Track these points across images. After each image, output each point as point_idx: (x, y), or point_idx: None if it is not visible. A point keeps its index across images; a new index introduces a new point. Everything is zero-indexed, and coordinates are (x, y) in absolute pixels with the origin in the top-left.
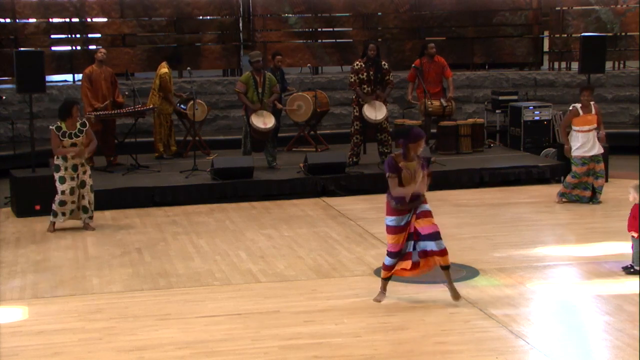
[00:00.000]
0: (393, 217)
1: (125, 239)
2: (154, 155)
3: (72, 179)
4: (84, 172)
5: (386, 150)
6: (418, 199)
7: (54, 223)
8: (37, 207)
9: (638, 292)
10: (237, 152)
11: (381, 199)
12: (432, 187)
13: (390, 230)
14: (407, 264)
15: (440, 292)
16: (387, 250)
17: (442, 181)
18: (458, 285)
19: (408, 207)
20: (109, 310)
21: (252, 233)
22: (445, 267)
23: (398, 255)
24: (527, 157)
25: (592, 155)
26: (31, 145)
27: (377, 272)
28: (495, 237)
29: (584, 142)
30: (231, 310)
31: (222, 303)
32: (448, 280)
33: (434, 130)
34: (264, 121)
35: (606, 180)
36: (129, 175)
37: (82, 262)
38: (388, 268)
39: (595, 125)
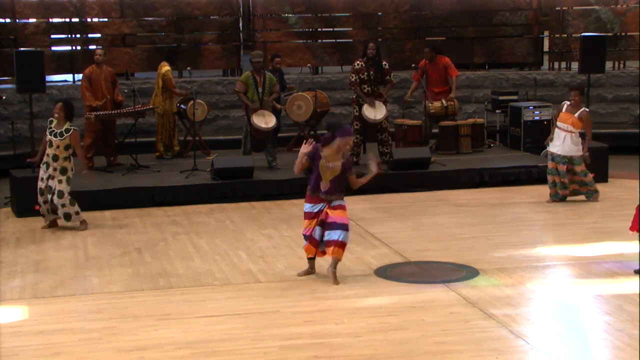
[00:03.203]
0: (308, 204)
1: (125, 239)
2: (154, 155)
3: (42, 179)
4: (51, 177)
5: (386, 150)
6: (334, 194)
7: (50, 220)
8: (37, 207)
9: (638, 292)
10: (237, 152)
11: (381, 199)
12: (432, 187)
13: (306, 215)
14: (312, 250)
15: (440, 292)
16: (303, 233)
17: (442, 181)
18: (458, 285)
19: (322, 198)
20: (109, 310)
21: (252, 233)
22: (336, 260)
23: (307, 238)
24: (527, 157)
25: (563, 156)
26: (31, 145)
27: (377, 272)
28: (495, 237)
29: (556, 138)
30: (231, 310)
31: (222, 303)
32: (332, 267)
33: (435, 131)
34: (265, 120)
35: (606, 180)
36: (129, 175)
37: (82, 262)
38: (304, 248)
39: (570, 127)
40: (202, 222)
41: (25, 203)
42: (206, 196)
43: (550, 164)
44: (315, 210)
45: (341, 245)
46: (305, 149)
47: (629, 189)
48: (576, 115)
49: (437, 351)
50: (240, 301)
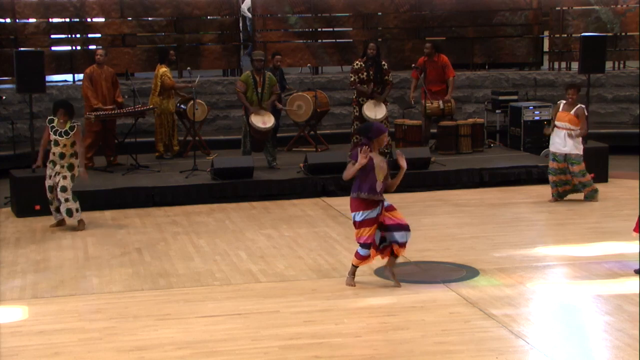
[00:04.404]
0: (365, 212)
1: (125, 239)
2: (154, 155)
3: (49, 177)
4: (57, 174)
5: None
6: (383, 193)
7: (59, 220)
8: (37, 207)
9: (638, 292)
10: (237, 152)
11: None
12: (432, 187)
13: (366, 223)
14: (374, 254)
15: (440, 292)
16: (362, 243)
17: (442, 181)
18: (458, 285)
19: (375, 199)
20: (109, 310)
21: (252, 233)
22: (396, 256)
23: (372, 245)
24: (527, 157)
25: (565, 154)
26: (31, 145)
27: (377, 272)
28: (495, 237)
29: (556, 138)
30: (231, 310)
31: (222, 303)
32: (392, 266)
33: (434, 131)
34: (263, 120)
35: (606, 180)
36: (129, 175)
37: (82, 262)
38: (364, 258)
39: (568, 125)
40: (202, 222)
41: (25, 203)
42: (206, 196)
43: (551, 164)
44: (375, 215)
45: (401, 245)
46: (363, 159)
47: (629, 189)
48: (572, 112)
49: (437, 351)
50: (240, 301)
